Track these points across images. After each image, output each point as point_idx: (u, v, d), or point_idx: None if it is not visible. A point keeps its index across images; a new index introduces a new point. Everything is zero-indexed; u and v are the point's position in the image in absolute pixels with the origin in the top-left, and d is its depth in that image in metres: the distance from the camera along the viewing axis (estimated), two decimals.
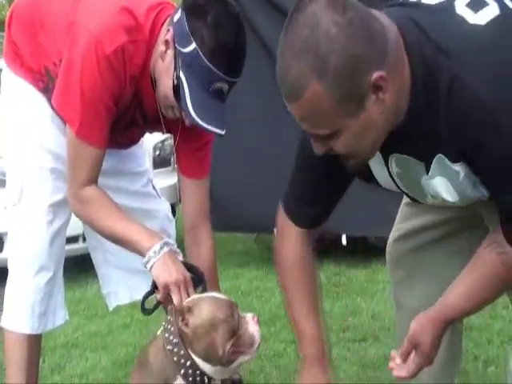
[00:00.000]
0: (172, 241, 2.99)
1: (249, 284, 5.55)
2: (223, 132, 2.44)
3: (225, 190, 6.04)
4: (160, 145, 6.92)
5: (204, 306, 2.36)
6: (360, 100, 1.77)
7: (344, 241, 5.95)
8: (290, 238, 2.38)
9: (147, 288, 2.70)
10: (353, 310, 4.65)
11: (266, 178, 6.01)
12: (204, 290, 2.57)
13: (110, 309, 3.24)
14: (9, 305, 2.82)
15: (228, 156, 5.96)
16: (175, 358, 2.35)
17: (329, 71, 1.72)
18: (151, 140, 6.65)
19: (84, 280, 5.82)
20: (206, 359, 2.34)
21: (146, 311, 2.56)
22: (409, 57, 1.82)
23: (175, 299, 2.46)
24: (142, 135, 2.92)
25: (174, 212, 5.29)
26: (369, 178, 2.18)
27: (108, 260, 3.12)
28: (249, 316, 2.38)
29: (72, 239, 5.89)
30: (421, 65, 1.82)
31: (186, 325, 2.34)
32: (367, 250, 6.31)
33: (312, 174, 2.24)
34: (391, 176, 2.10)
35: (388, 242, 2.73)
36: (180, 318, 2.35)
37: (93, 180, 2.54)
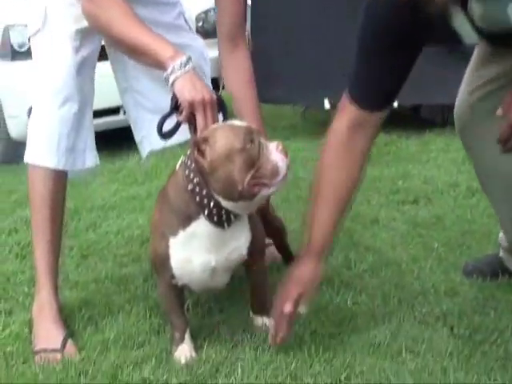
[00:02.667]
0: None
1: (294, 154, 5.28)
2: None
3: (273, 62, 5.84)
4: (203, 15, 6.62)
5: (219, 136, 2.11)
6: None
7: (395, 104, 5.63)
8: (347, 120, 2.24)
9: (180, 133, 2.47)
10: (403, 175, 4.38)
11: (317, 52, 5.77)
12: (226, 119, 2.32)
13: (144, 156, 3.01)
14: (33, 138, 2.57)
15: (279, 29, 5.74)
16: (197, 199, 2.13)
17: None
18: (194, 10, 6.37)
19: (125, 153, 5.63)
20: (226, 195, 2.11)
21: (164, 135, 2.30)
22: None
23: (200, 120, 2.20)
24: None
25: (216, 86, 5.05)
26: (446, 35, 2.00)
27: (139, 102, 2.88)
28: (272, 144, 2.12)
29: (112, 111, 5.76)
30: None
31: (203, 156, 2.10)
32: (419, 122, 6.03)
33: (379, 48, 2.10)
34: (473, 24, 1.94)
35: (457, 105, 2.59)
36: (196, 150, 2.11)
37: None
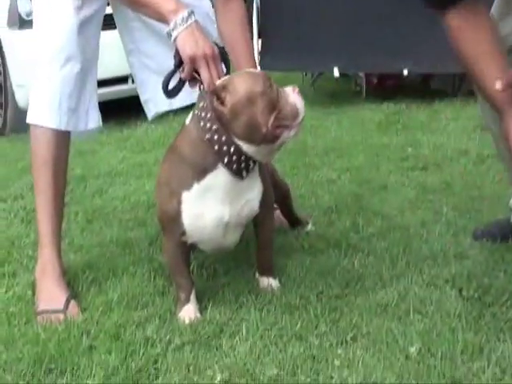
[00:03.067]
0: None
1: (303, 122, 5.23)
2: None
3: (283, 30, 5.79)
4: None
5: (239, 81, 2.11)
6: None
7: (405, 72, 5.57)
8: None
9: (186, 96, 2.43)
10: (413, 143, 4.33)
11: (327, 20, 5.71)
12: (228, 71, 2.31)
13: (149, 118, 2.96)
14: (35, 98, 2.53)
15: (291, 4, 5.68)
16: (216, 147, 2.10)
17: None
18: None
19: (133, 122, 5.58)
20: (249, 139, 2.10)
21: (170, 93, 2.27)
22: None
23: (204, 74, 2.17)
24: None
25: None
26: None
27: (145, 64, 2.84)
28: (288, 88, 2.14)
29: (120, 80, 5.71)
30: None
31: (222, 104, 2.08)
32: (429, 92, 5.96)
33: None
34: None
35: None
36: (215, 98, 2.08)
37: None
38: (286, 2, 5.81)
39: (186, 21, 2.16)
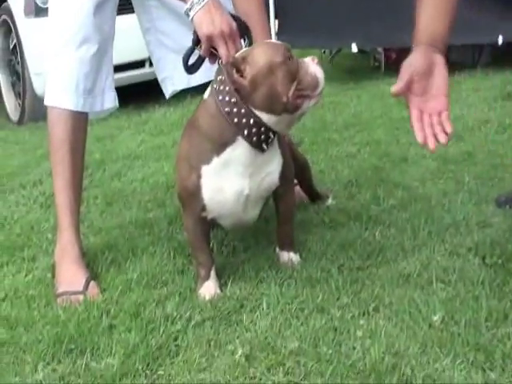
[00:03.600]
0: None
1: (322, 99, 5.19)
2: None
3: (300, 7, 5.75)
4: None
5: (258, 53, 2.10)
6: None
7: None
8: None
9: (203, 73, 2.41)
10: None
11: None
12: (250, 44, 2.28)
13: (167, 96, 2.93)
14: (51, 80, 2.53)
15: None
16: (235, 120, 2.09)
17: None
18: None
19: (151, 106, 5.57)
20: (270, 109, 2.08)
21: (190, 69, 2.25)
22: None
23: (222, 51, 2.18)
24: None
25: None
26: None
27: (162, 42, 2.82)
28: (308, 58, 2.13)
29: (138, 64, 5.71)
30: None
31: (242, 75, 2.07)
32: (448, 65, 5.87)
33: None
34: None
35: None
36: (234, 71, 2.07)
37: None
38: None
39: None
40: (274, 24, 5.86)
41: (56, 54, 2.52)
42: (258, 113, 2.09)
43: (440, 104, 1.98)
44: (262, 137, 2.12)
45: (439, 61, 1.99)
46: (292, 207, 2.42)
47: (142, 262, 2.53)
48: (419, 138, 1.96)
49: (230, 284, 2.29)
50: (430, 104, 1.97)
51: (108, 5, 2.56)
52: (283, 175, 2.29)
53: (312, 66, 2.13)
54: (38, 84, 5.70)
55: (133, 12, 2.81)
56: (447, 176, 3.13)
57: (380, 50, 6.14)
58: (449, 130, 1.94)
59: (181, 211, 2.38)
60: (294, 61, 2.10)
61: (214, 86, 2.16)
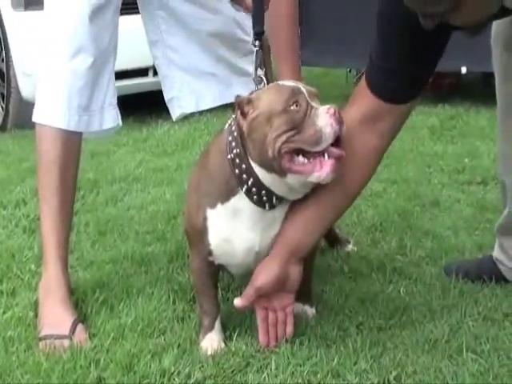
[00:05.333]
0: None
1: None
2: None
3: (327, 25, 5.82)
4: None
5: (263, 97, 2.08)
6: None
7: (464, 70, 5.53)
8: (362, 111, 2.15)
9: (214, 97, 2.44)
10: (470, 152, 4.31)
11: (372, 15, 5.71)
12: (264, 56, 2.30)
13: (174, 119, 2.96)
14: (41, 94, 2.53)
15: None
16: (237, 171, 2.09)
17: None
18: None
19: (154, 120, 5.62)
20: (261, 164, 2.06)
21: None
22: None
23: None
24: None
25: None
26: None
27: (170, 59, 2.85)
28: (323, 108, 2.01)
29: (140, 72, 5.74)
30: None
31: (245, 118, 2.07)
32: (490, 93, 5.91)
33: (400, 32, 2.04)
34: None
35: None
36: (239, 112, 2.09)
37: None
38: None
39: None
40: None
41: (47, 63, 2.52)
42: (256, 168, 2.08)
43: (286, 299, 2.23)
44: (264, 198, 2.11)
45: (293, 273, 2.19)
46: (313, 256, 2.44)
47: (138, 304, 2.55)
48: (262, 341, 2.23)
49: (235, 337, 2.30)
50: (276, 302, 2.22)
51: (108, 9, 2.55)
52: None
53: (323, 116, 1.99)
54: (25, 85, 5.73)
55: (135, 12, 2.82)
56: (484, 226, 3.16)
57: None
58: (289, 332, 2.24)
59: (187, 249, 2.40)
60: (302, 108, 2.01)
61: (231, 120, 2.18)
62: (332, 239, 2.95)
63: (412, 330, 2.32)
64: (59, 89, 2.48)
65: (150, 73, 5.83)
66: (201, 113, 4.60)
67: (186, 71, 2.83)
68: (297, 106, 2.02)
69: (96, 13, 2.50)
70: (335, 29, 5.79)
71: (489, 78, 6.04)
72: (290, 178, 2.05)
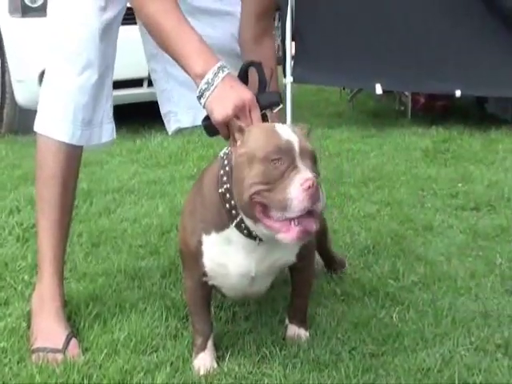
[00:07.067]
0: None
1: (338, 145, 5.27)
2: None
3: (324, 44, 5.83)
4: None
5: (256, 134, 2.04)
6: None
7: (458, 93, 5.55)
8: None
9: None
10: (463, 177, 4.33)
11: (370, 33, 5.76)
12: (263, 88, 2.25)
13: (169, 133, 2.96)
14: (46, 106, 2.53)
15: (330, 10, 5.69)
16: (227, 206, 2.09)
17: None
18: None
19: (147, 131, 5.63)
20: (237, 203, 2.05)
21: (210, 133, 2.26)
22: None
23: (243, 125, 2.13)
24: None
25: None
26: None
27: (168, 72, 2.85)
28: (299, 176, 1.91)
29: (135, 82, 5.75)
30: None
31: (234, 145, 2.07)
32: (484, 118, 5.96)
33: None
34: None
35: None
36: (232, 138, 2.09)
37: None
38: (325, 17, 5.83)
39: (213, 82, 2.14)
40: (290, 47, 5.87)
41: (53, 77, 2.53)
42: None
43: None
44: (254, 233, 2.10)
45: None
46: (311, 280, 2.45)
47: (131, 320, 2.55)
48: None
49: (227, 358, 2.31)
50: None
51: (115, 26, 2.59)
52: (302, 253, 2.28)
53: (295, 187, 1.90)
54: (20, 92, 5.72)
55: (131, 23, 2.79)
56: (476, 254, 3.18)
57: (407, 93, 6.22)
58: None
59: (180, 265, 2.40)
60: (282, 168, 1.93)
61: (227, 149, 2.17)
62: (329, 262, 2.95)
63: (404, 357, 2.32)
64: (65, 103, 2.49)
65: (145, 84, 5.84)
66: (195, 125, 4.60)
67: (185, 86, 2.82)
68: (279, 162, 1.94)
69: (105, 30, 2.52)
70: (327, 47, 5.78)
71: (482, 101, 6.12)
72: (261, 227, 2.03)
